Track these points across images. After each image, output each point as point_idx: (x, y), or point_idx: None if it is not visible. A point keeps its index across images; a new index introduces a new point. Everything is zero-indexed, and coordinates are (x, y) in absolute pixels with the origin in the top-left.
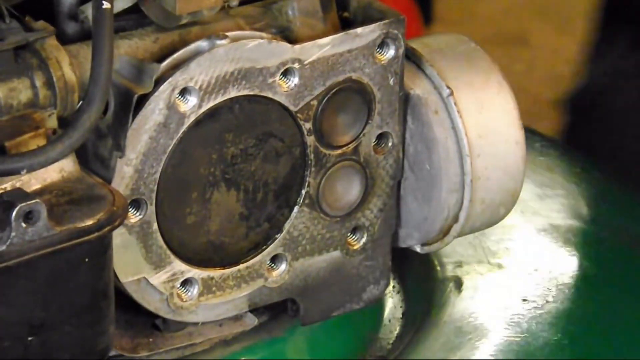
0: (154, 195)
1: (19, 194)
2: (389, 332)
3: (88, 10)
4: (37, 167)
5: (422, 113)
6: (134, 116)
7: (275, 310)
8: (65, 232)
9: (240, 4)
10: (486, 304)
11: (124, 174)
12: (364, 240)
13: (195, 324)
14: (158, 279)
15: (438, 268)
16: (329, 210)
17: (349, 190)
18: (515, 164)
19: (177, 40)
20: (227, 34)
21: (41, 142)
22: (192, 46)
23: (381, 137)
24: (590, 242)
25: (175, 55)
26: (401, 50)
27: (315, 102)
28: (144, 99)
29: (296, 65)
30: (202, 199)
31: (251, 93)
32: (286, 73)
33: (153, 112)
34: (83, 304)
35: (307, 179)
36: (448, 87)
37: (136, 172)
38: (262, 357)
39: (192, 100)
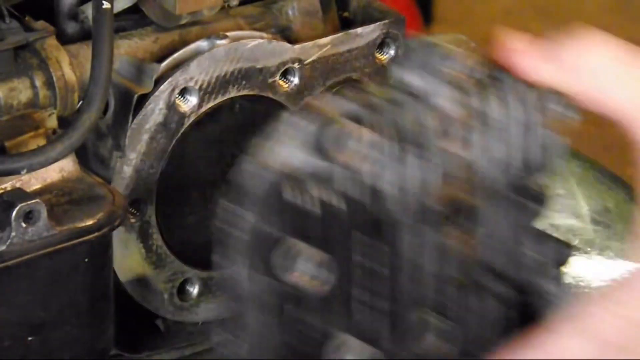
0: (154, 195)
1: (19, 194)
2: None
3: (88, 10)
4: (37, 167)
5: None
6: (134, 116)
7: None
8: (65, 232)
9: (240, 4)
10: None
11: (124, 173)
12: None
13: (195, 324)
14: (158, 279)
15: None
16: None
17: None
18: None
19: (177, 40)
20: (227, 34)
21: (41, 142)
22: (192, 46)
23: None
24: (590, 242)
25: (175, 55)
26: (401, 51)
27: None
28: (144, 99)
29: (296, 65)
30: (202, 199)
31: (251, 93)
32: (286, 73)
33: (153, 112)
34: (83, 303)
35: None
36: None
37: (136, 172)
38: None
39: (192, 100)
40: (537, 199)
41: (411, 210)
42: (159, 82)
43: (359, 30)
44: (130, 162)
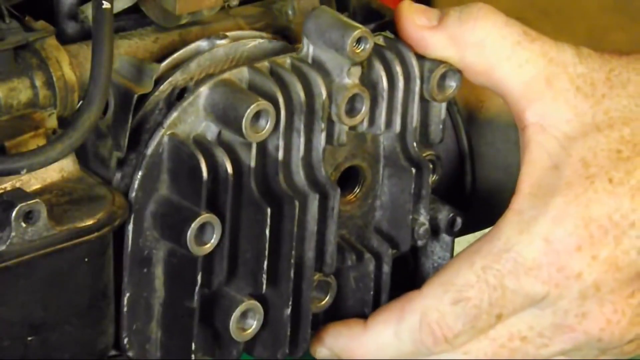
0: None
1: (19, 194)
2: None
3: (88, 10)
4: (37, 167)
5: None
6: (134, 116)
7: None
8: (65, 232)
9: (240, 4)
10: None
11: (125, 173)
12: None
13: None
14: None
15: None
16: None
17: None
18: (515, 163)
19: (177, 40)
20: (227, 34)
21: (41, 142)
22: (192, 46)
23: None
24: None
25: (175, 55)
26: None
27: None
28: (143, 99)
29: None
30: None
31: None
32: None
33: (153, 112)
34: (83, 303)
35: None
36: None
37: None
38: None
39: None
40: (430, 167)
41: (303, 177)
42: (158, 82)
43: None
44: (130, 161)
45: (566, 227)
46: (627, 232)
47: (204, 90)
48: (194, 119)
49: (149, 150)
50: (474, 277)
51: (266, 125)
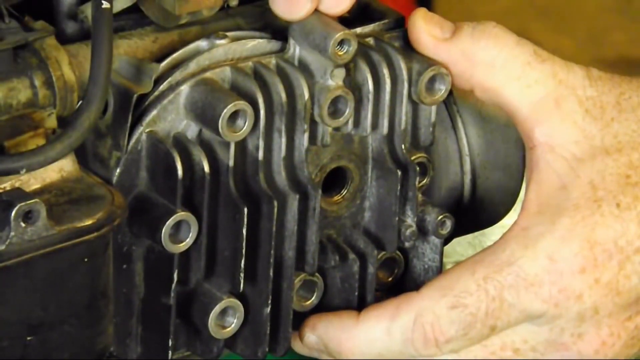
0: None
1: (18, 194)
2: None
3: (87, 10)
4: (36, 167)
5: None
6: (134, 116)
7: None
8: (64, 232)
9: (240, 4)
10: None
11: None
12: None
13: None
14: None
15: None
16: None
17: None
18: (515, 163)
19: (177, 40)
20: (227, 33)
21: (40, 141)
22: (192, 46)
23: None
24: None
25: (174, 55)
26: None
27: None
28: (143, 99)
29: None
30: None
31: None
32: None
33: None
34: (82, 303)
35: None
36: None
37: None
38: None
39: None
40: (416, 169)
41: (284, 177)
42: (158, 81)
43: (358, 30)
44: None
45: (572, 247)
46: (631, 257)
47: (184, 88)
48: (174, 117)
49: (127, 148)
50: (474, 285)
51: (244, 125)
